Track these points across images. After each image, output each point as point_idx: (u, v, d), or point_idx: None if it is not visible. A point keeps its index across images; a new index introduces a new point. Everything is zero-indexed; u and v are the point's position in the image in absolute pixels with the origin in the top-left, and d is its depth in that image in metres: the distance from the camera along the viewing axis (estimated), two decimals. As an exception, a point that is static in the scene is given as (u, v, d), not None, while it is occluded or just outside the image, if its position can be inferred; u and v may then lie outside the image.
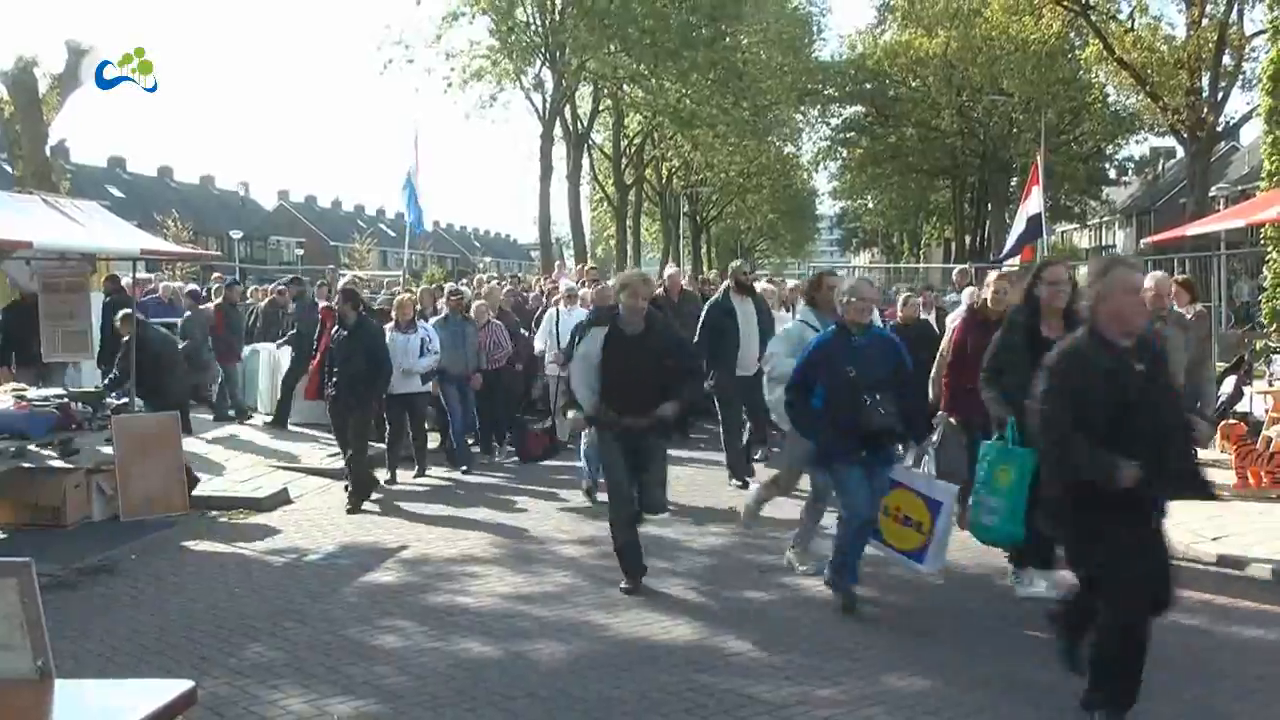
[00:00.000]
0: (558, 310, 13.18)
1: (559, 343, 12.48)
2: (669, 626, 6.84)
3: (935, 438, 7.77)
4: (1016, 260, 19.81)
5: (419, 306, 13.47)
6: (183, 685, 2.85)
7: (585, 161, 42.59)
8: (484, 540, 9.30)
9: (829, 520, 7.84)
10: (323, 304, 14.94)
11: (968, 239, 51.62)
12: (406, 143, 20.44)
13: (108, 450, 10.16)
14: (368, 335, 10.90)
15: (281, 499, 10.92)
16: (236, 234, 58.29)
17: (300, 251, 71.45)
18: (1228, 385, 11.75)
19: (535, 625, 6.89)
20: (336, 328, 11.14)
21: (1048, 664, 5.73)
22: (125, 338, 11.45)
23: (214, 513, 10.44)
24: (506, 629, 6.83)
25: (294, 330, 15.41)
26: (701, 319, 11.59)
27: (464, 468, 12.47)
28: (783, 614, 7.05)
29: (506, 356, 13.15)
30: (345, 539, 9.47)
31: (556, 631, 6.76)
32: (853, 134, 51.33)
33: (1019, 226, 18.54)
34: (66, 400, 10.05)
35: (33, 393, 10.03)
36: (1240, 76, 33.17)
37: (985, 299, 8.16)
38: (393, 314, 12.27)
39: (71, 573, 8.08)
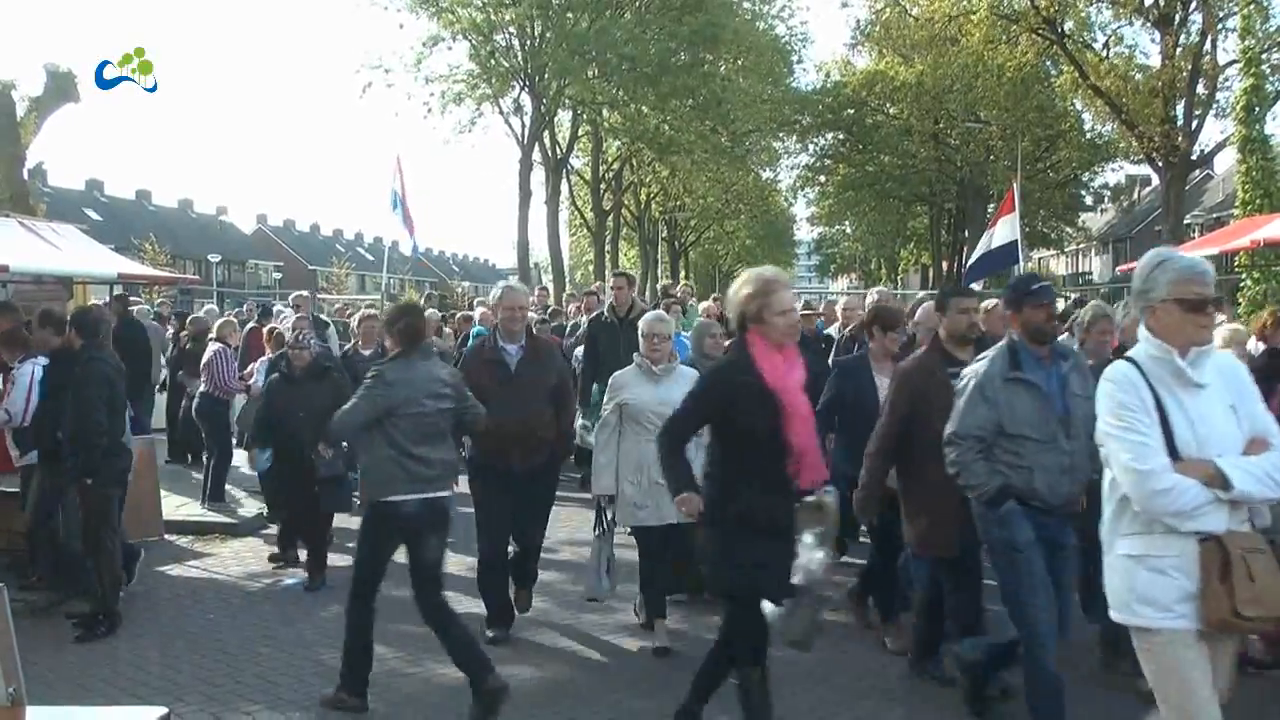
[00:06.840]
0: None
1: None
2: (646, 650, 6.83)
3: None
4: (979, 285, 19.88)
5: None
6: (156, 712, 2.85)
7: (564, 187, 42.71)
8: (459, 565, 9.25)
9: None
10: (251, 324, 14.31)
11: (944, 265, 51.83)
12: (386, 168, 20.53)
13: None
14: (71, 377, 7.18)
15: (256, 524, 10.86)
16: (215, 258, 58.21)
17: (279, 275, 71.38)
18: None
19: (509, 650, 6.87)
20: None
21: None
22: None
23: (189, 537, 10.39)
24: (481, 654, 6.81)
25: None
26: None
27: None
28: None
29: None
30: (321, 564, 9.41)
31: (531, 656, 6.77)
32: (830, 161, 51.53)
33: (981, 249, 18.60)
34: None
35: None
36: (1214, 105, 33.60)
37: None
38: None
39: (44, 598, 8.02)
